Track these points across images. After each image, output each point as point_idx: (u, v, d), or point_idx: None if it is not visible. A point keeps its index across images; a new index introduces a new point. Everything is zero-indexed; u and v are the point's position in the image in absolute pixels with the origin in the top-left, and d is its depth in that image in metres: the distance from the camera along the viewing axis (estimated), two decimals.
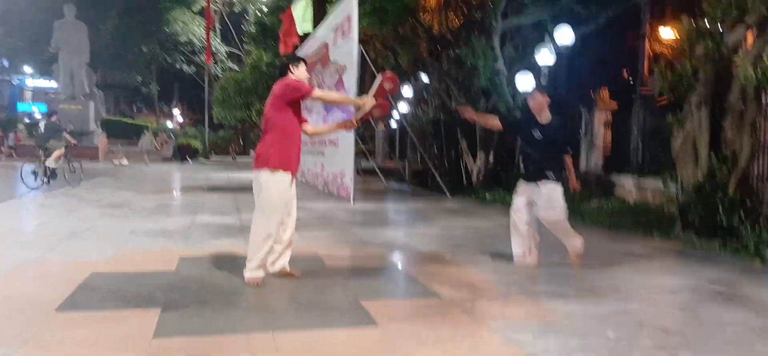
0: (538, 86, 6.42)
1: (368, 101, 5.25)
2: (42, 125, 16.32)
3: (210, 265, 5.73)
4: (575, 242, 6.05)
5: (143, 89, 50.48)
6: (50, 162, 14.50)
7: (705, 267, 6.14)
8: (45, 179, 14.33)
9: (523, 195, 6.01)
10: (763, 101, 8.64)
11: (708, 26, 8.16)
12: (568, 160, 6.04)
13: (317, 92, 5.31)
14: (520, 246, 5.99)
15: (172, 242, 7.02)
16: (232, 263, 5.74)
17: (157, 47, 41.31)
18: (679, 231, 8.27)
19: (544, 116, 5.98)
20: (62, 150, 14.87)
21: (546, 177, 5.88)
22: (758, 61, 7.63)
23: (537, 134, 5.94)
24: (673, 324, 4.17)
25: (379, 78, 5.32)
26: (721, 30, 8.17)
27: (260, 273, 5.04)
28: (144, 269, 5.57)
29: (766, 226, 7.72)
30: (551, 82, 15.06)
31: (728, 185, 7.96)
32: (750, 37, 8.57)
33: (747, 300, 4.86)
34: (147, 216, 9.38)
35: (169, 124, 49.77)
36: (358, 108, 5.40)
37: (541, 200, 5.88)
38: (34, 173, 14.35)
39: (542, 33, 14.69)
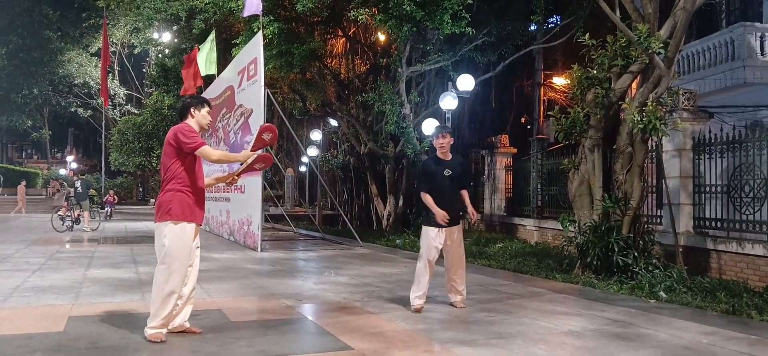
0: (443, 127, 6.60)
1: (249, 156, 5.02)
2: (79, 184, 18.26)
3: (103, 323, 5.32)
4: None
5: (34, 133, 47.44)
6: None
7: (605, 308, 6.38)
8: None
9: (438, 240, 6.05)
10: (650, 145, 9.27)
11: (597, 74, 8.68)
12: (466, 194, 6.29)
13: (205, 149, 4.83)
14: (424, 292, 6.08)
15: (61, 300, 6.49)
16: (128, 321, 5.36)
17: (49, 89, 38.98)
18: (579, 272, 8.60)
19: (448, 155, 6.23)
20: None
21: (460, 218, 6.15)
22: (643, 107, 8.17)
23: (448, 173, 6.09)
24: None
25: (257, 130, 5.16)
26: (609, 77, 8.71)
27: (163, 331, 4.73)
28: (27, 330, 5.08)
29: (658, 265, 8.19)
30: (455, 127, 15.50)
31: (622, 226, 8.39)
32: (635, 85, 9.21)
33: (645, 338, 5.07)
34: (33, 271, 8.66)
35: (62, 171, 46.88)
36: (240, 164, 5.16)
37: (455, 241, 6.09)
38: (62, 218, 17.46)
39: (445, 80, 15.16)
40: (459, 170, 6.23)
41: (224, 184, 5.42)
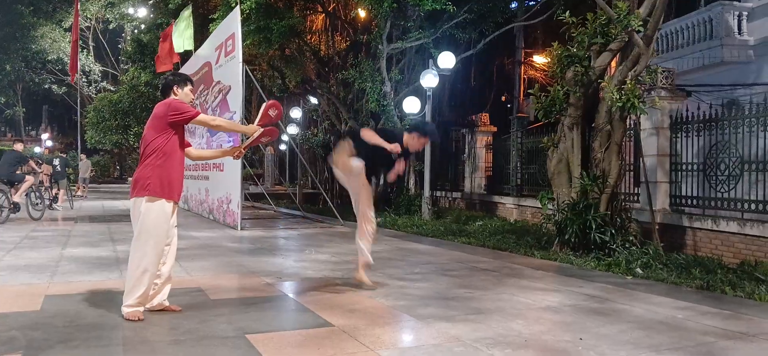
0: (425, 128, 6.21)
1: (255, 130, 5.07)
2: (58, 162, 17.14)
3: (80, 302, 5.27)
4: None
5: (7, 111, 46.48)
6: (17, 197, 13.25)
7: (582, 284, 6.46)
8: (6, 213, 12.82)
9: None
10: (628, 123, 9.35)
11: (576, 52, 8.70)
12: None
13: (203, 117, 5.01)
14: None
15: (37, 278, 6.40)
16: (106, 299, 5.31)
17: (22, 66, 38.11)
18: (557, 249, 8.69)
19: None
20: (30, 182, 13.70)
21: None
22: (622, 86, 8.23)
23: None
24: (556, 341, 4.32)
25: (263, 106, 5.19)
26: (588, 55, 8.74)
27: (140, 309, 4.69)
28: (3, 309, 5.00)
29: (635, 242, 8.30)
30: (435, 105, 15.48)
31: (600, 204, 8.48)
32: (614, 63, 9.26)
33: (621, 313, 5.15)
34: (8, 250, 8.53)
35: (37, 149, 46.07)
36: (245, 137, 5.23)
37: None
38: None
39: (426, 58, 15.11)
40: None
41: (231, 156, 5.56)
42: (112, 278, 6.48)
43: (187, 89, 4.97)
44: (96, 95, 37.00)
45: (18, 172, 13.44)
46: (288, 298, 5.80)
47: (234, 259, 8.10)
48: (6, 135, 57.21)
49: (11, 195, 12.89)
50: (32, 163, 14.63)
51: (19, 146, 14.39)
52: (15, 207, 13.01)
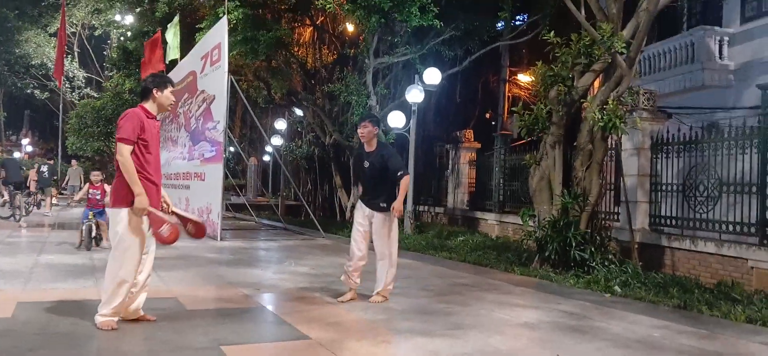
0: (370, 116, 6.34)
1: (146, 206, 4.59)
2: (45, 170, 17.88)
3: (54, 310, 5.17)
4: (389, 279, 6.10)
5: None
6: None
7: (561, 301, 6.47)
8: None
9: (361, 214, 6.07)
10: (610, 143, 9.44)
11: (560, 71, 8.78)
12: (405, 181, 5.93)
13: (121, 147, 4.52)
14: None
15: (9, 285, 6.28)
16: (80, 308, 5.22)
17: (4, 70, 37.68)
18: (537, 266, 8.71)
19: (372, 145, 6.05)
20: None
21: (378, 208, 5.95)
22: (604, 106, 8.31)
23: (367, 164, 5.98)
24: None
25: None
26: (572, 75, 8.82)
27: (114, 319, 4.61)
28: None
29: (614, 260, 8.35)
30: (420, 121, 15.52)
31: (580, 222, 8.53)
32: (597, 84, 9.36)
33: (599, 331, 5.16)
34: None
35: (17, 154, 45.45)
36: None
37: (374, 230, 6.04)
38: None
39: (412, 73, 15.18)
40: (378, 163, 5.95)
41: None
42: (87, 286, 6.38)
43: (167, 91, 4.82)
44: (79, 101, 36.65)
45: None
46: (266, 310, 5.74)
47: (212, 270, 8.01)
48: None
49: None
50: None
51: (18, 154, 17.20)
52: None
